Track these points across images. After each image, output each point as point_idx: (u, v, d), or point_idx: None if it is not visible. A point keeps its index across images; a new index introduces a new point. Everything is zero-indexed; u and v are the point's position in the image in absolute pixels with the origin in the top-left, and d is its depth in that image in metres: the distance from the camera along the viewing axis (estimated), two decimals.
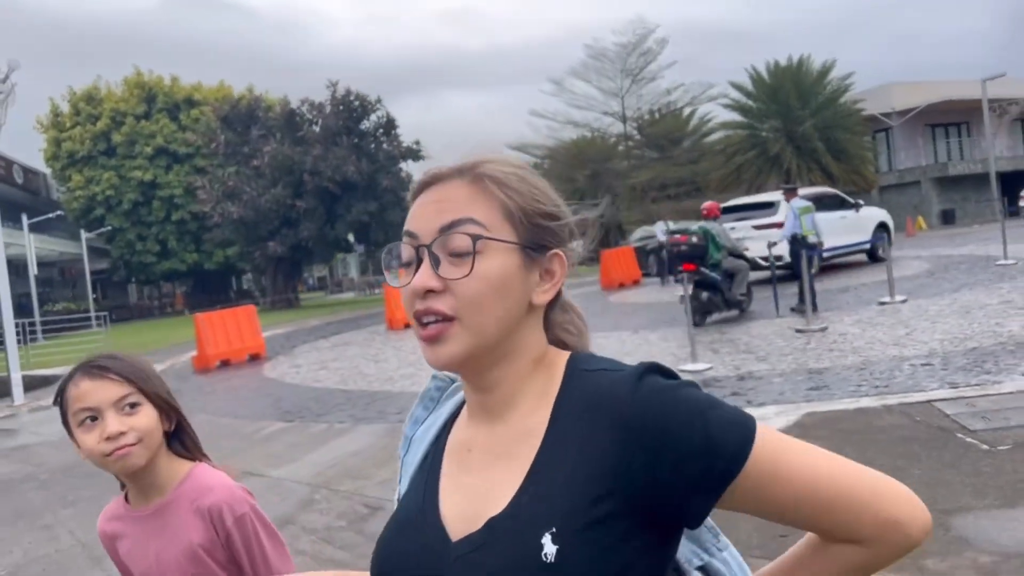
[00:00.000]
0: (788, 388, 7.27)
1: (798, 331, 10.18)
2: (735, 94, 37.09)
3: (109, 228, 37.94)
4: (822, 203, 16.96)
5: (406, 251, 0.93)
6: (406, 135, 28.20)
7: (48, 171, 42.60)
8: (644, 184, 31.01)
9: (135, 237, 38.68)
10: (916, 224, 34.12)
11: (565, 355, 0.96)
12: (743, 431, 0.84)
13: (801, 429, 5.93)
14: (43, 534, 6.03)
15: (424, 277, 0.88)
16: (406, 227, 0.93)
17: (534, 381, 0.94)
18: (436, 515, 0.92)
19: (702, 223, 11.90)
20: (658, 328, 12.26)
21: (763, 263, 12.82)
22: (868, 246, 17.20)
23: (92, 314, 33.58)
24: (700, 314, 11.46)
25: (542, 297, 0.94)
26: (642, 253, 22.79)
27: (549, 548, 0.81)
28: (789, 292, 12.42)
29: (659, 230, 20.87)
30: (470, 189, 0.91)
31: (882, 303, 11.66)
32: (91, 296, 36.52)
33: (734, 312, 12.07)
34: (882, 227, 18.35)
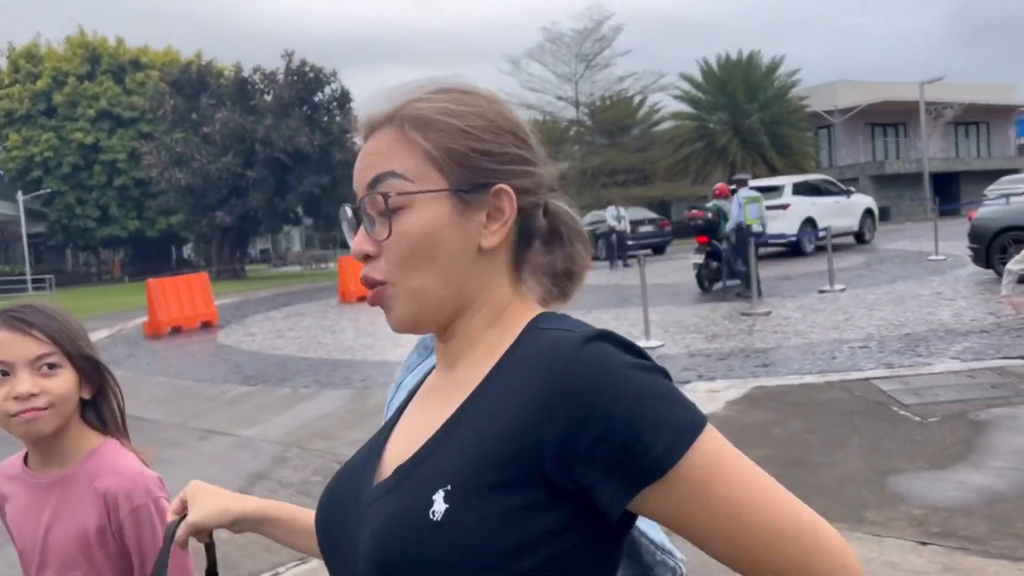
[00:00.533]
0: (736, 364, 7.71)
1: (744, 314, 10.68)
2: (685, 85, 37.79)
3: (48, 190, 36.91)
4: (819, 189, 19.98)
5: (350, 208, 0.88)
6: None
7: None
8: (594, 169, 31.49)
9: (75, 201, 37.68)
10: None
11: (535, 311, 0.89)
12: (678, 436, 0.73)
13: (750, 401, 6.36)
14: None
15: (358, 241, 0.84)
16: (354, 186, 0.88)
17: (490, 333, 0.87)
18: (378, 458, 0.88)
19: (715, 201, 13.61)
20: (610, 308, 12.67)
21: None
22: (856, 229, 19.37)
23: (28, 277, 32.77)
24: (708, 280, 13.32)
25: (490, 240, 0.85)
26: (593, 237, 23.24)
27: (439, 506, 0.75)
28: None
29: (610, 215, 21.32)
30: (392, 140, 0.84)
31: (822, 291, 12.25)
32: (27, 260, 35.55)
33: (736, 281, 13.00)
34: (868, 212, 20.48)
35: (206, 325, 15.28)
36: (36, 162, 37.23)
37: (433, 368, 0.96)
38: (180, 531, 1.09)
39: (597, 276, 19.17)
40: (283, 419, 7.44)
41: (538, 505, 0.74)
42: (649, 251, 25.27)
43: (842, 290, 12.17)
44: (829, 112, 40.44)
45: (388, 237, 0.81)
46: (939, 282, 12.22)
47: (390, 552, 0.76)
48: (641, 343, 8.74)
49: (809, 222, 18.58)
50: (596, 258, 22.93)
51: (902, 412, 5.65)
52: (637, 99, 39.22)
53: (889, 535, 3.79)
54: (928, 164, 38.35)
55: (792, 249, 18.72)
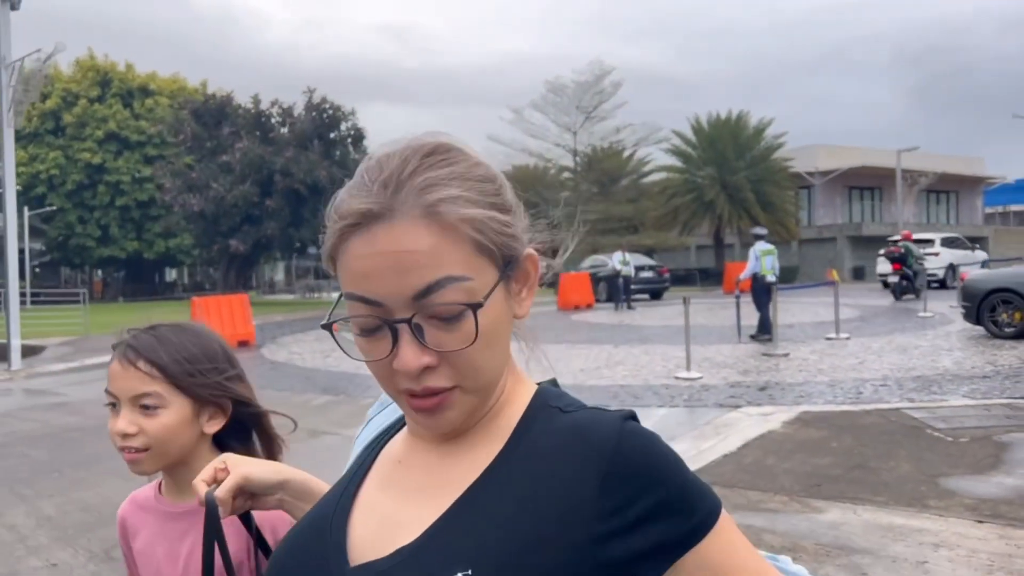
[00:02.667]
0: (776, 395, 8.82)
1: (765, 355, 11.83)
2: (676, 140, 39.57)
3: (53, 207, 37.45)
4: (956, 242, 28.61)
5: (364, 318, 0.76)
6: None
7: None
8: (589, 217, 32.99)
9: (76, 220, 38.25)
10: (830, 274, 36.95)
11: (527, 385, 0.86)
12: (714, 499, 0.76)
13: (802, 422, 7.45)
14: None
15: (414, 356, 0.74)
16: (358, 291, 0.75)
17: (491, 406, 0.83)
18: (343, 530, 0.81)
19: (905, 242, 20.72)
20: (636, 344, 13.76)
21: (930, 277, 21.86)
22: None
23: (28, 290, 33.11)
24: (900, 292, 20.65)
25: (523, 308, 0.83)
26: (593, 280, 24.42)
27: None
28: (748, 322, 14.13)
29: (616, 259, 22.50)
30: (431, 234, 0.73)
31: (828, 338, 13.47)
32: (27, 276, 35.89)
33: (911, 296, 20.14)
34: (984, 263, 24.89)
35: (243, 344, 16.10)
36: (41, 179, 37.85)
37: (389, 430, 0.92)
38: (228, 481, 0.97)
39: (605, 317, 20.29)
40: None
41: None
42: (647, 296, 26.50)
43: (847, 338, 13.40)
44: (810, 173, 42.39)
45: (473, 344, 0.74)
46: (933, 335, 13.50)
47: None
48: (682, 374, 9.86)
49: (951, 267, 25.74)
50: (598, 300, 24.08)
51: (935, 434, 6.77)
52: (627, 152, 40.86)
53: (951, 516, 4.87)
54: (903, 228, 40.35)
55: (939, 284, 25.09)
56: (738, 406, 8.28)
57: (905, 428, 7.04)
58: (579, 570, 0.72)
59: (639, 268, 24.72)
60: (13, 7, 14.76)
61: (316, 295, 39.69)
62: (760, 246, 14.04)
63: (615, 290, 22.62)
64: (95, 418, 9.44)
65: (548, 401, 0.83)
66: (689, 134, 39.73)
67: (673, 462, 0.76)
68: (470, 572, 0.70)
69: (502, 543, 0.72)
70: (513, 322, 0.82)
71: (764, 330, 13.50)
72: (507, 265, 0.78)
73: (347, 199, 0.76)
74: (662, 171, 40.20)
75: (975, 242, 44.09)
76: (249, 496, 1.00)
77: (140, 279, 43.36)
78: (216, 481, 0.97)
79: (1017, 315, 12.21)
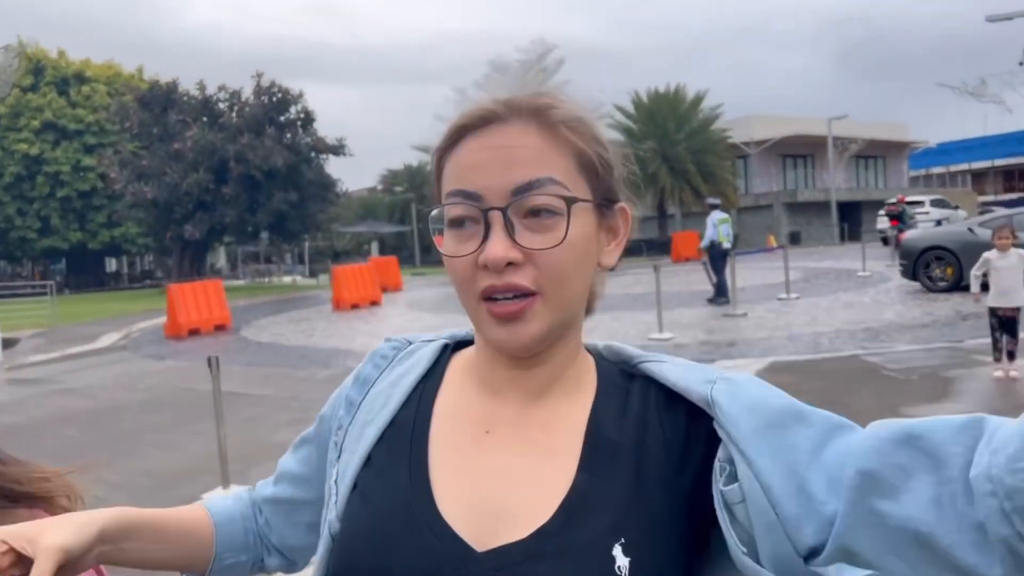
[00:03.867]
0: (745, 349, 9.76)
1: (726, 315, 12.81)
2: (619, 115, 40.52)
3: None
4: (943, 203, 33.10)
5: (460, 211, 0.76)
6: None
7: None
8: None
9: (15, 212, 37.44)
10: (770, 241, 38.53)
11: (582, 340, 0.86)
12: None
13: (773, 370, 8.38)
14: None
15: (503, 247, 0.74)
16: (457, 185, 0.76)
17: (572, 366, 0.83)
18: (433, 508, 0.76)
19: (900, 204, 23.74)
20: (603, 312, 14.59)
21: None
22: None
23: None
24: (895, 244, 20.59)
25: (610, 259, 0.83)
26: None
27: (621, 560, 0.70)
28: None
29: None
30: (542, 137, 0.76)
31: (780, 298, 14.55)
32: None
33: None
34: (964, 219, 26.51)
35: (220, 328, 16.50)
36: None
37: (417, 385, 0.87)
38: (41, 565, 0.69)
39: None
40: None
41: (686, 537, 0.75)
42: None
43: (797, 298, 14.49)
44: (746, 144, 43.84)
45: (559, 244, 0.74)
46: (874, 292, 14.69)
47: None
48: (655, 335, 10.74)
49: (938, 223, 27.32)
50: None
51: (890, 374, 7.77)
52: None
53: None
54: (835, 194, 42.19)
55: None
56: (713, 360, 9.18)
57: (864, 371, 8.02)
58: (688, 523, 0.75)
59: None
60: None
61: (266, 279, 39.76)
62: (716, 215, 15.00)
63: None
64: (108, 401, 9.93)
65: (611, 357, 0.86)
66: (630, 108, 40.76)
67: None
68: (623, 540, 0.71)
69: (637, 508, 0.73)
70: (597, 275, 0.83)
71: (721, 293, 14.50)
72: (605, 199, 0.80)
73: (467, 102, 0.80)
74: None
75: None
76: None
77: (83, 270, 42.66)
78: (4, 570, 0.70)
79: (949, 270, 13.42)
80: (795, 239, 42.71)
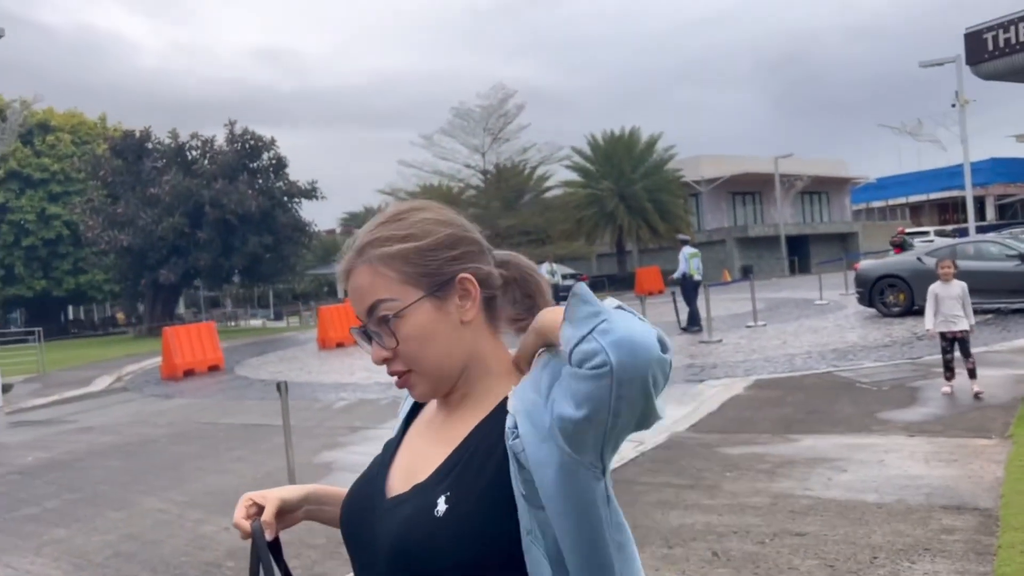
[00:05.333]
0: (727, 371, 10.72)
1: (703, 342, 13.81)
2: (576, 157, 41.99)
3: None
4: (943, 233, 35.67)
5: (360, 330, 1.14)
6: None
7: None
8: (503, 230, 34.72)
9: None
10: (725, 275, 40.04)
11: (482, 375, 1.15)
12: None
13: (758, 387, 9.35)
14: None
15: (376, 352, 1.11)
16: (356, 315, 1.14)
17: (481, 384, 1.13)
18: (386, 476, 1.16)
19: (903, 236, 25.33)
20: None
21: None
22: None
23: None
24: None
25: (467, 315, 1.11)
26: None
27: (441, 506, 1.03)
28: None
29: (544, 270, 24.17)
30: (369, 273, 1.10)
31: (749, 326, 15.63)
32: None
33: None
34: None
35: (213, 368, 17.01)
36: None
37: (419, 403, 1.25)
38: (269, 507, 1.21)
39: None
40: None
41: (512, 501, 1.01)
42: None
43: (764, 325, 15.59)
44: (696, 182, 45.56)
45: (397, 345, 1.08)
46: (834, 318, 15.87)
47: (406, 540, 1.04)
48: None
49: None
50: None
51: (863, 386, 8.78)
52: (537, 169, 43.02)
53: (890, 434, 6.78)
54: (783, 228, 44.05)
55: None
56: (702, 380, 10.14)
57: (839, 384, 9.03)
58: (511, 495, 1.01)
59: (563, 276, 26.67)
60: None
61: (232, 323, 39.90)
62: (687, 250, 16.08)
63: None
64: (134, 436, 10.47)
65: (509, 404, 1.07)
66: (587, 150, 42.25)
67: None
68: (449, 493, 1.04)
69: (464, 480, 1.04)
70: (468, 326, 1.11)
71: (694, 322, 15.55)
72: (436, 287, 1.09)
73: (342, 260, 1.15)
74: (563, 186, 42.49)
75: (846, 238, 48.67)
76: (281, 516, 1.23)
77: (44, 318, 42.26)
78: (249, 516, 1.20)
79: (902, 296, 14.64)
80: (747, 272, 44.34)
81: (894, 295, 14.79)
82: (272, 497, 1.22)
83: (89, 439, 10.53)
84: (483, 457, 1.05)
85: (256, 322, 37.74)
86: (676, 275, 16.20)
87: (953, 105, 26.30)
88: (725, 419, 7.97)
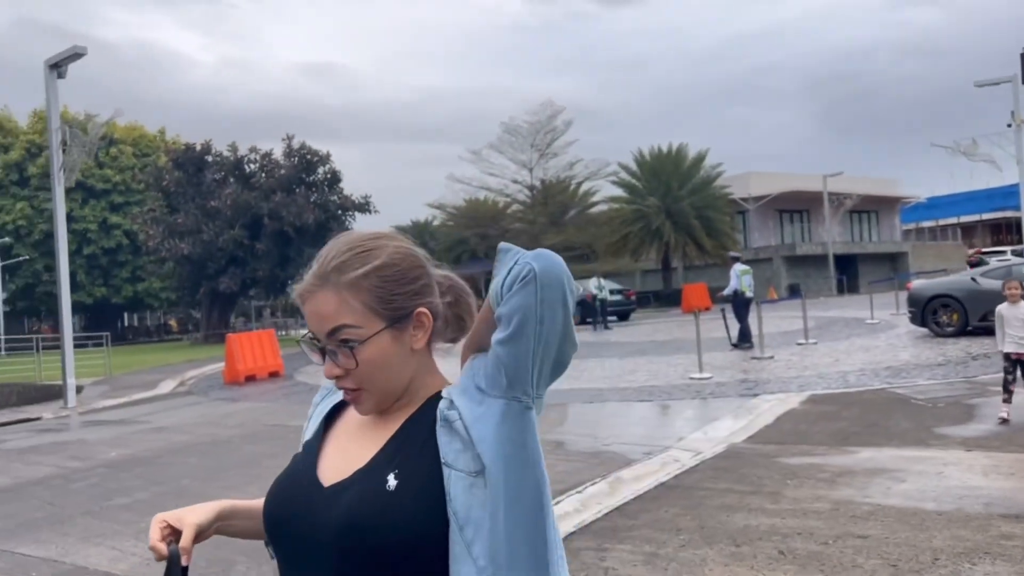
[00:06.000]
0: (781, 386, 10.89)
1: (754, 358, 13.96)
2: (622, 173, 42.26)
3: (26, 257, 37.72)
4: (1020, 253, 33.30)
5: (313, 344, 1.20)
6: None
7: None
8: (551, 247, 35.16)
9: (42, 267, 38.60)
10: (771, 293, 39.88)
11: (441, 380, 1.26)
12: None
13: (813, 402, 9.52)
14: None
15: (329, 369, 1.18)
16: (309, 328, 1.19)
17: (410, 398, 1.23)
18: (314, 471, 1.21)
19: (980, 255, 26.59)
20: (638, 357, 15.78)
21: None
22: None
23: (2, 337, 33.50)
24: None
25: (419, 344, 1.21)
26: None
27: (392, 482, 1.11)
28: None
29: (592, 285, 24.59)
30: (335, 299, 1.15)
31: (800, 343, 15.72)
32: (0, 326, 36.16)
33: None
34: None
35: (273, 374, 17.54)
36: (8, 230, 38.15)
37: (340, 404, 1.32)
38: (187, 533, 1.23)
39: (588, 336, 22.30)
40: None
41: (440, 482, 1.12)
42: (615, 317, 28.68)
43: (815, 343, 15.68)
44: (744, 199, 45.50)
45: (356, 367, 1.15)
46: (886, 337, 15.89)
47: (357, 517, 1.10)
48: (695, 375, 11.87)
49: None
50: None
51: (918, 403, 8.92)
52: (575, 185, 43.39)
53: (949, 448, 6.94)
54: (832, 247, 43.74)
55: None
56: (756, 395, 10.33)
57: (894, 401, 9.18)
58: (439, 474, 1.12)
59: (611, 291, 26.91)
60: (60, 76, 16.14)
61: (283, 332, 40.74)
62: (738, 267, 16.26)
63: (591, 312, 24.71)
64: (206, 436, 10.95)
65: (443, 391, 1.21)
66: (633, 166, 42.50)
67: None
68: (397, 471, 1.13)
69: (409, 459, 1.15)
70: (416, 354, 1.21)
71: (745, 339, 15.70)
72: (396, 320, 1.18)
73: (304, 279, 1.20)
74: (609, 202, 42.76)
75: (895, 258, 48.10)
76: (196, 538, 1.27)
77: (102, 324, 43.66)
78: (164, 538, 1.23)
79: (955, 316, 14.64)
80: (795, 291, 44.09)
81: (947, 315, 14.79)
82: (189, 523, 1.25)
83: (165, 438, 11.03)
84: (422, 440, 1.16)
85: (303, 331, 38.35)
86: (727, 292, 16.37)
87: (1009, 125, 26.08)
88: (782, 431, 8.17)
